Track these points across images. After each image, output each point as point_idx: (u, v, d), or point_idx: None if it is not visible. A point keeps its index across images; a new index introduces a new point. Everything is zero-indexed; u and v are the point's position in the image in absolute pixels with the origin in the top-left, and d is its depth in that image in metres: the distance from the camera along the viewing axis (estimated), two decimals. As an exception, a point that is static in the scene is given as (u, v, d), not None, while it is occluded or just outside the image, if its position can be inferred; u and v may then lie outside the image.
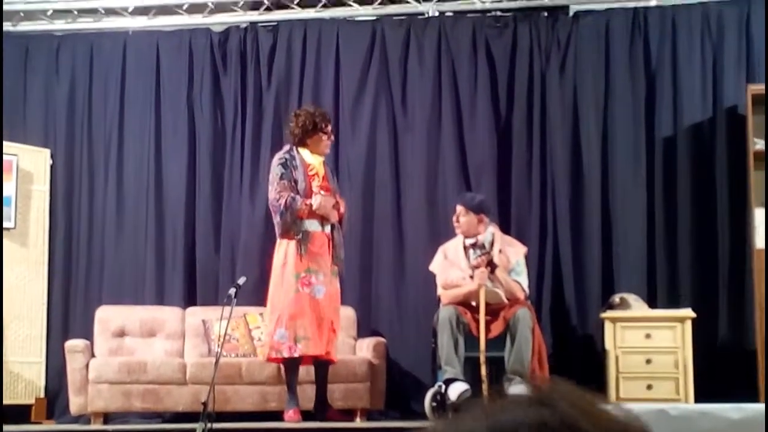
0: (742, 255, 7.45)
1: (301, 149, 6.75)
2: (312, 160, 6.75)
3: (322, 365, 6.72)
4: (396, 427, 6.40)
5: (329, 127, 6.84)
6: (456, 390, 6.44)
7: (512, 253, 6.86)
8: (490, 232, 6.88)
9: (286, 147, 6.84)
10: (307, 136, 6.72)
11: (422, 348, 7.36)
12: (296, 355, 6.53)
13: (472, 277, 6.74)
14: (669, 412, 4.08)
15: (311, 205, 6.55)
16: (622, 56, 7.87)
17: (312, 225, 6.60)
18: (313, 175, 6.72)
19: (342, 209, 6.78)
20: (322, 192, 6.65)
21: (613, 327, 6.93)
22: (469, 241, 6.85)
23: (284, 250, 6.60)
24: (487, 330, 6.61)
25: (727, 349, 7.40)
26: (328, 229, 6.67)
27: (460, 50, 8.04)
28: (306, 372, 6.91)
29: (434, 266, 6.99)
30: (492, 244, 6.82)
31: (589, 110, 7.87)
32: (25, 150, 7.96)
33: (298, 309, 6.48)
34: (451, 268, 6.86)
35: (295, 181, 6.63)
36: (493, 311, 6.65)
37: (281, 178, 6.62)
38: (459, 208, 6.92)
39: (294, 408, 6.57)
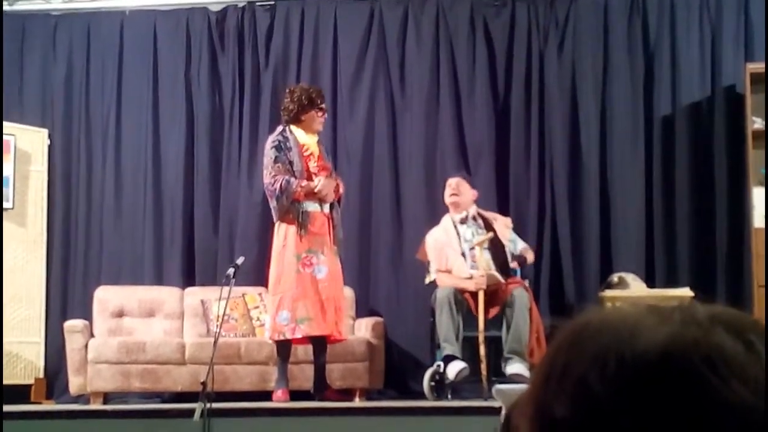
0: (741, 234, 7.46)
1: (294, 128, 6.72)
2: (306, 139, 6.73)
3: (320, 344, 6.72)
4: (395, 407, 6.41)
5: (324, 105, 6.82)
6: (454, 369, 6.46)
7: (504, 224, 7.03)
8: (474, 208, 7.06)
9: (279, 128, 6.81)
10: (302, 111, 6.70)
11: (420, 328, 7.38)
12: (299, 336, 6.55)
13: (463, 254, 6.80)
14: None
15: (307, 187, 6.55)
16: (620, 35, 7.86)
17: (311, 205, 6.60)
18: (309, 156, 6.70)
19: (341, 189, 6.79)
20: (323, 173, 6.65)
21: (611, 306, 6.93)
22: (458, 217, 6.96)
23: (284, 232, 6.60)
24: (486, 310, 6.64)
25: (725, 329, 7.41)
26: (327, 209, 6.67)
27: (458, 30, 8.02)
28: (304, 351, 6.93)
29: (424, 252, 7.00)
30: (480, 216, 6.92)
31: (588, 90, 7.86)
32: (22, 130, 7.94)
33: (299, 290, 6.49)
34: (445, 248, 6.88)
35: (291, 163, 6.62)
36: (490, 292, 6.67)
37: (275, 161, 6.61)
38: (458, 180, 7.04)
39: (283, 388, 6.59)
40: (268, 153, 6.67)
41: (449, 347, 6.53)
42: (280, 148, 6.65)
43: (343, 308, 6.76)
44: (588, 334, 0.78)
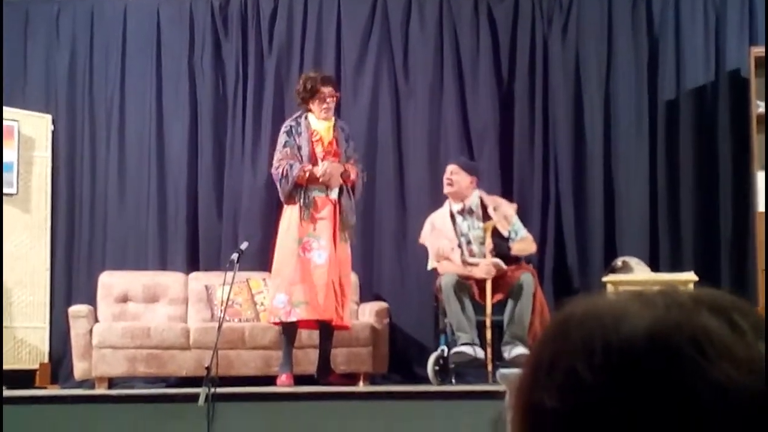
0: (744, 218, 7.46)
1: (309, 114, 6.77)
2: (318, 125, 6.76)
3: (327, 330, 6.73)
4: (399, 391, 6.42)
5: (330, 90, 6.80)
6: (469, 348, 6.43)
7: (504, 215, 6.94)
8: (476, 195, 6.97)
9: (295, 114, 6.87)
10: (308, 98, 6.74)
11: (425, 312, 7.39)
12: (294, 319, 6.56)
13: (460, 245, 6.78)
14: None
15: (310, 171, 6.56)
16: (624, 19, 7.85)
17: (316, 191, 6.61)
18: (317, 141, 6.72)
19: (353, 176, 6.78)
20: (331, 159, 6.65)
21: (615, 291, 6.92)
22: (456, 207, 6.90)
23: (288, 215, 6.64)
24: (491, 296, 6.64)
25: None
26: (333, 194, 6.67)
27: (462, 15, 8.01)
28: (308, 336, 6.94)
29: (424, 238, 7.00)
30: (482, 207, 6.87)
31: (592, 74, 7.85)
32: (26, 116, 7.94)
33: (297, 274, 6.50)
34: (440, 238, 6.86)
35: (299, 148, 6.66)
36: (495, 277, 6.66)
37: (284, 146, 6.70)
38: (452, 167, 6.97)
39: (287, 373, 6.60)
40: (279, 138, 6.80)
41: (463, 336, 6.51)
42: (291, 133, 6.72)
43: (348, 294, 6.76)
44: (573, 324, 0.78)
